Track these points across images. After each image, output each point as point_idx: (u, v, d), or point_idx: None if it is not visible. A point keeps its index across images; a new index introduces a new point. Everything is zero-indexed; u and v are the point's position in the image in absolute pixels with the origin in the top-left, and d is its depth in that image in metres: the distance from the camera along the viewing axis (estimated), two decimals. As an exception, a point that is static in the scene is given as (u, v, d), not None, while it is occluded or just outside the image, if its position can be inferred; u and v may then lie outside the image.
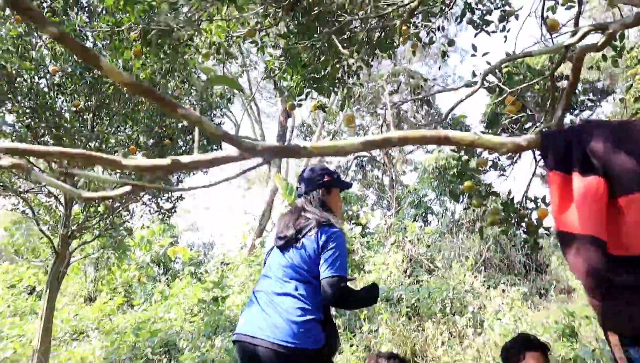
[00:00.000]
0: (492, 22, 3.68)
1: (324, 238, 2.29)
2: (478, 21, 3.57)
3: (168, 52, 3.21)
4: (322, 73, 3.31)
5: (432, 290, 6.90)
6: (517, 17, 3.72)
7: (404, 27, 3.74)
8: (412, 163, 29.56)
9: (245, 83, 14.71)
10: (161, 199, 6.43)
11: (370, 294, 2.44)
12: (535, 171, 2.89)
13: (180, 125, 6.05)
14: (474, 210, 12.95)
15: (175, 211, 6.71)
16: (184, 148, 6.19)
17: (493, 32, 3.75)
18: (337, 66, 3.29)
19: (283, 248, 2.40)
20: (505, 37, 3.77)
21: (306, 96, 3.53)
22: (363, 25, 3.45)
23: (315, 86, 3.31)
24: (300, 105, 3.70)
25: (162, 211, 6.46)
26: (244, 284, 7.27)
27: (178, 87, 6.11)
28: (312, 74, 3.29)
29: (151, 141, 5.97)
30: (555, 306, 7.51)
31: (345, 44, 3.41)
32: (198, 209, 28.76)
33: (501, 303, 6.39)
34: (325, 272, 2.21)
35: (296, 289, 2.26)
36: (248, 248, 11.92)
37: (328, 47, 3.28)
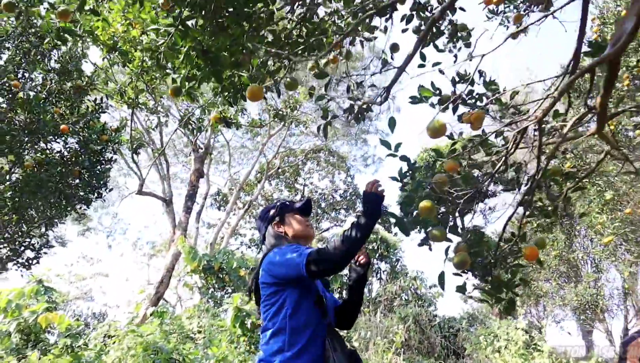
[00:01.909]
0: (443, 33, 3.14)
1: (263, 270, 2.11)
2: (424, 28, 3.00)
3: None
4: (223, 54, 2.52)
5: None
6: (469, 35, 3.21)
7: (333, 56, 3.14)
8: (326, 240, 29.09)
9: (157, 136, 13.61)
10: (22, 245, 5.15)
11: (354, 229, 1.96)
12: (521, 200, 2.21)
13: None
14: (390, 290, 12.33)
15: (38, 262, 5.41)
16: None
17: (441, 50, 3.20)
18: (243, 52, 2.53)
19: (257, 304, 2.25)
20: (456, 56, 3.23)
21: (199, 84, 2.69)
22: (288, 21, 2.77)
23: (212, 68, 2.50)
24: (189, 94, 2.82)
25: (21, 260, 5.14)
26: (120, 359, 5.86)
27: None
28: (211, 53, 2.48)
29: None
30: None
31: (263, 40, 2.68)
32: (96, 278, 25.92)
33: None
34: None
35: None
36: (140, 319, 10.28)
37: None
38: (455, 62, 3.19)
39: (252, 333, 8.35)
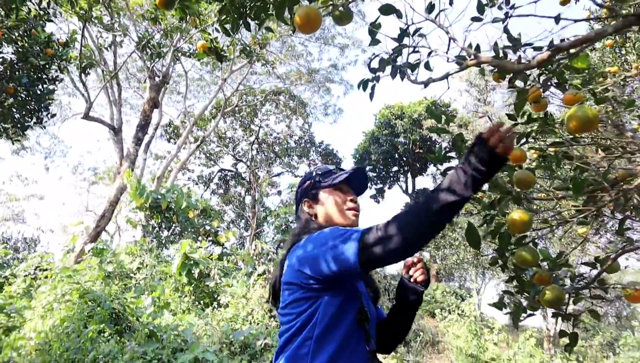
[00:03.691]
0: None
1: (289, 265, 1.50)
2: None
3: None
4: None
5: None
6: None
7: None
8: (277, 185, 28.76)
9: (110, 56, 12.37)
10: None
11: (443, 193, 1.22)
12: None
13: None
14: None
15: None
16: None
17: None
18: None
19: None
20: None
21: None
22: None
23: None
24: (183, 7, 2.15)
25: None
26: (51, 304, 5.25)
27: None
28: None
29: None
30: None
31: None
32: (30, 199, 24.41)
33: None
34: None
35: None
36: (76, 254, 9.56)
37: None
38: None
39: (199, 282, 7.89)
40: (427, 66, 2.19)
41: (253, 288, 7.17)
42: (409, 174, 25.70)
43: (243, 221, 26.99)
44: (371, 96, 2.31)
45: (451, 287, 18.80)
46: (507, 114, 2.33)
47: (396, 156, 24.68)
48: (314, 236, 1.48)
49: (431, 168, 26.33)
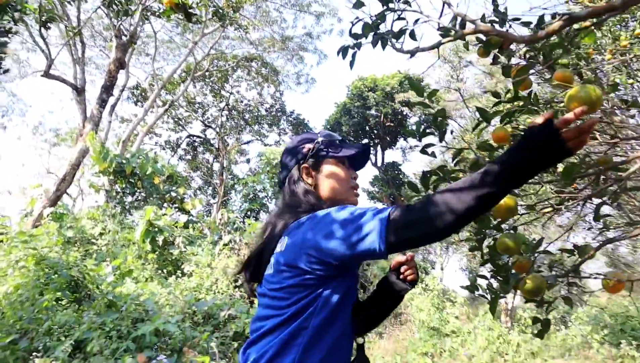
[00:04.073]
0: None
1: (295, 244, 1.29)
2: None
3: None
4: None
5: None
6: None
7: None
8: (246, 153, 28.45)
9: (74, 11, 11.71)
10: None
11: (490, 176, 1.04)
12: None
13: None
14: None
15: None
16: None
17: None
18: None
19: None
20: None
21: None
22: None
23: None
24: None
25: None
26: (4, 271, 4.99)
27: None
28: None
29: None
30: None
31: None
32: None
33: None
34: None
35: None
36: (34, 218, 9.21)
37: None
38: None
39: (163, 250, 7.72)
40: (413, 35, 2.05)
41: (218, 257, 7.04)
42: (379, 147, 25.75)
43: (210, 188, 26.69)
44: (351, 64, 2.16)
45: (415, 261, 19.08)
46: (491, 92, 2.23)
47: (367, 128, 24.65)
48: (323, 214, 1.29)
49: (401, 142, 26.43)
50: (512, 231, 1.62)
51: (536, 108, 2.16)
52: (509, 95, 2.05)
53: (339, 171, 1.51)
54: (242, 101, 26.53)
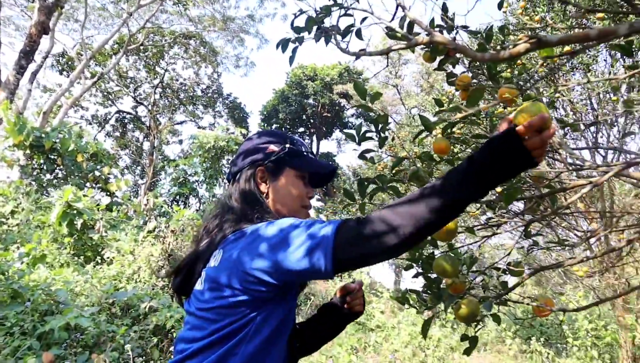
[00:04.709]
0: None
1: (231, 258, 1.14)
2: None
3: None
4: None
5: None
6: None
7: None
8: (178, 134, 27.58)
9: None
10: None
11: (448, 186, 0.94)
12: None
13: None
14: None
15: None
16: None
17: None
18: None
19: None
20: None
21: None
22: None
23: None
24: None
25: None
26: None
27: None
28: None
29: None
30: None
31: None
32: None
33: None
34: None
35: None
36: None
37: None
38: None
39: (81, 234, 7.22)
40: (359, 35, 1.94)
41: (142, 244, 6.69)
42: (314, 137, 25.76)
43: (139, 168, 25.66)
44: (291, 59, 1.99)
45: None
46: (434, 99, 2.17)
47: (304, 117, 24.58)
48: (266, 227, 1.14)
49: (337, 133, 26.59)
50: (449, 253, 1.56)
51: (478, 120, 2.13)
52: (451, 105, 2.00)
53: (296, 185, 1.36)
54: (177, 80, 25.61)
